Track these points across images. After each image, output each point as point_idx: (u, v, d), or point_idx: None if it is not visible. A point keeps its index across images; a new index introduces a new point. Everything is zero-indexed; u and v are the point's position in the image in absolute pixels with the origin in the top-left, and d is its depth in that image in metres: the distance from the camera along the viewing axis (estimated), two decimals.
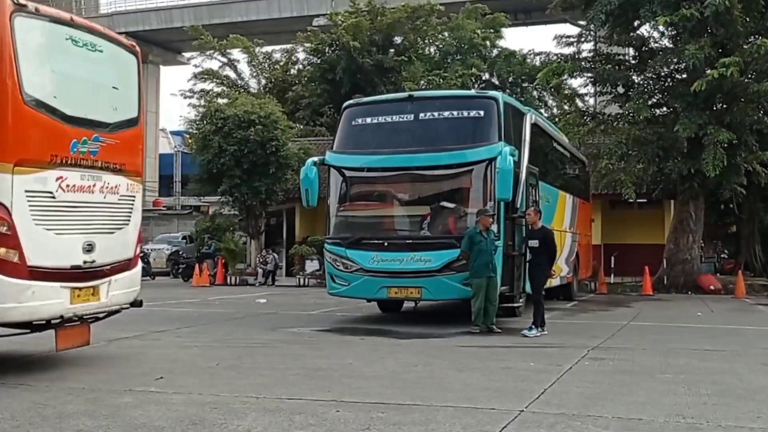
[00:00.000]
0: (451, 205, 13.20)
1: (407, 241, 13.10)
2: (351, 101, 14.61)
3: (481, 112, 13.10)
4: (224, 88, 38.59)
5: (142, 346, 10.57)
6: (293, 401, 6.86)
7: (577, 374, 8.43)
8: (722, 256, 30.85)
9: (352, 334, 12.12)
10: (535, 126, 14.86)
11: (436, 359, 9.46)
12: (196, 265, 27.72)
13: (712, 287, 22.96)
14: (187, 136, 31.40)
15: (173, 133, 66.30)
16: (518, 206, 13.22)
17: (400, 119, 13.53)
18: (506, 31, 41.57)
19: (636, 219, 29.40)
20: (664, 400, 7.00)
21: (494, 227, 12.41)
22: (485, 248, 11.98)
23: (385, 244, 13.03)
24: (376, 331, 12.42)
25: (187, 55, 61.48)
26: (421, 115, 13.37)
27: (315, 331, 12.45)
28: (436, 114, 13.35)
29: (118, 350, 10.10)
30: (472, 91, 12.78)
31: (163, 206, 58.71)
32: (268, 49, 41.41)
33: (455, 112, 13.31)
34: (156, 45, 62.07)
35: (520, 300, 14.25)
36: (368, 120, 13.80)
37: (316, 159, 13.99)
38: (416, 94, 14.54)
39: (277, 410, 6.49)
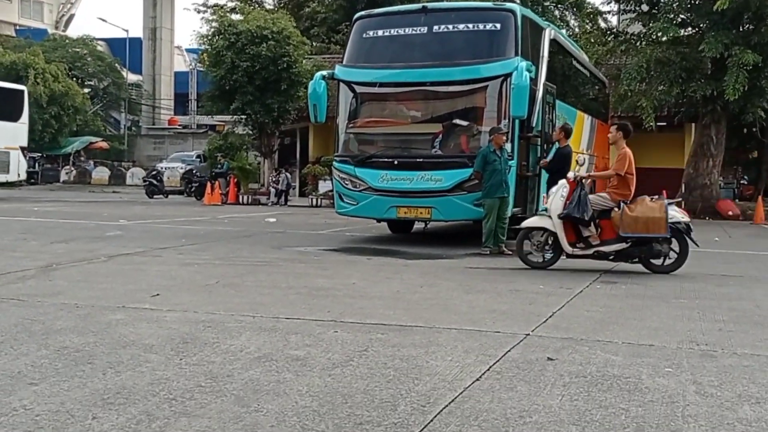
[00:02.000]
0: (464, 123, 12.76)
1: (417, 160, 12.70)
2: (362, 13, 14.00)
3: (498, 26, 12.52)
4: (238, 3, 37.70)
5: (142, 262, 10.33)
6: (291, 321, 6.60)
7: (588, 298, 8.13)
8: (742, 181, 30.31)
9: (359, 254, 11.84)
10: (554, 42, 14.28)
11: (443, 280, 9.19)
12: (208, 184, 27.54)
13: (730, 213, 22.55)
14: (202, 53, 30.86)
15: (189, 50, 65.43)
16: (534, 125, 12.77)
17: (413, 32, 12.96)
18: None
19: (656, 142, 28.65)
20: (677, 326, 6.70)
21: (508, 146, 12.02)
22: (499, 167, 11.59)
23: (395, 162, 12.64)
24: (384, 252, 12.15)
25: None
26: (435, 27, 12.80)
27: (321, 251, 12.19)
28: (450, 27, 12.77)
29: (118, 266, 9.87)
30: (489, 3, 12.17)
31: (179, 125, 58.46)
32: None
33: (470, 25, 12.72)
34: None
35: None
36: (380, 33, 13.24)
37: (325, 73, 13.51)
38: (430, 5, 13.91)
39: (273, 330, 6.24)
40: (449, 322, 6.65)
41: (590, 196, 9.88)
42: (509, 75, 11.74)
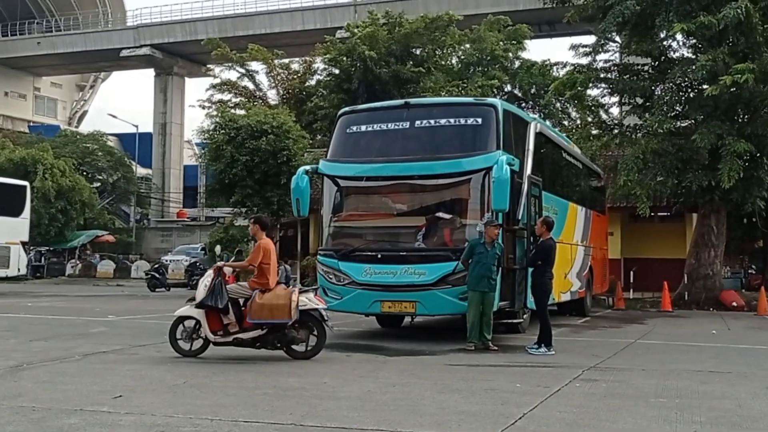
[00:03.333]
0: (447, 216, 12.64)
1: (401, 253, 12.54)
2: (346, 108, 14.18)
3: (479, 120, 12.56)
4: (242, 99, 38.40)
5: (116, 360, 10.13)
6: (249, 424, 6.39)
7: (564, 397, 7.86)
8: (750, 271, 29.94)
9: (340, 350, 11.56)
10: (540, 135, 14.29)
11: (419, 379, 8.94)
12: None
13: (734, 303, 22.15)
14: (203, 147, 31.28)
15: (198, 144, 66.48)
16: (519, 217, 12.67)
17: (396, 127, 13.01)
18: (532, 43, 41.05)
19: (657, 233, 28.61)
20: (651, 428, 6.46)
21: None
22: (483, 261, 11.41)
23: (379, 256, 12.51)
24: (367, 348, 11.89)
25: (210, 66, 61.81)
26: (417, 122, 12.86)
27: None
28: (432, 121, 12.83)
29: (89, 365, 9.67)
30: (470, 98, 12.31)
31: (187, 217, 58.82)
32: (286, 60, 41.17)
33: (452, 120, 12.78)
34: (181, 57, 62.50)
35: (524, 316, 13.69)
36: (363, 128, 13.32)
37: (308, 168, 13.56)
38: (413, 101, 14.03)
39: None
40: (413, 425, 6.42)
41: (230, 285, 10.25)
42: (490, 168, 11.70)
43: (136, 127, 58.55)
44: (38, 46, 64.23)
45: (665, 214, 27.70)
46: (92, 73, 76.87)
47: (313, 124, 35.34)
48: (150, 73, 64.73)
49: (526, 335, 13.24)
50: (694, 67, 20.25)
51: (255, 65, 40.29)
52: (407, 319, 14.55)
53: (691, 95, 22.92)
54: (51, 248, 45.19)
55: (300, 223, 31.23)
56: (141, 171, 60.84)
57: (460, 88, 34.01)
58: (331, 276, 12.79)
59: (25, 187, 27.94)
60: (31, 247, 38.49)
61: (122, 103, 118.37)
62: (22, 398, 7.39)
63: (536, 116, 15.60)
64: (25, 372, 8.99)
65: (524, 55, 39.93)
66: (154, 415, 6.70)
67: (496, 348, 11.54)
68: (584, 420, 6.74)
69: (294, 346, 10.30)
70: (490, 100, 13.83)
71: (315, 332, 10.30)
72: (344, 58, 34.96)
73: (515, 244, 12.95)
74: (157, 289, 30.99)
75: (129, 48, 60.64)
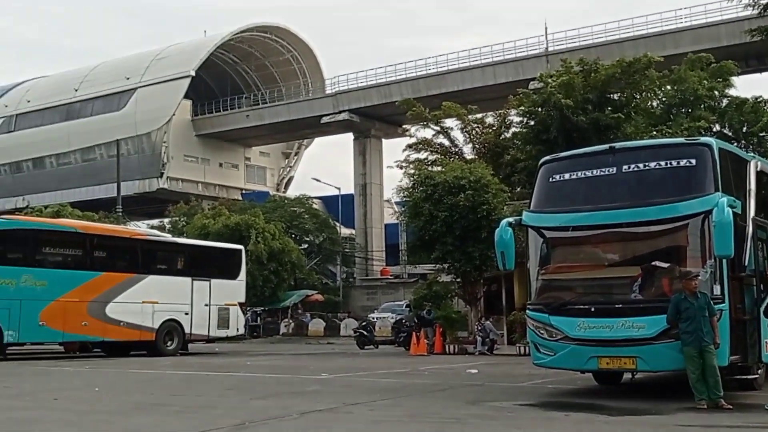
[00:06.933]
0: (665, 265, 11.85)
1: (617, 306, 11.88)
2: (548, 157, 13.79)
3: (693, 161, 11.79)
4: (439, 156, 38.82)
5: (332, 419, 10.20)
6: None
7: None
8: None
9: (557, 409, 11.08)
10: (762, 174, 13.23)
11: None
12: (413, 334, 27.57)
13: None
14: (400, 206, 31.79)
15: (397, 203, 67.92)
16: (746, 264, 11.70)
17: (602, 173, 12.47)
18: (740, 79, 38.73)
19: None
20: None
21: (716, 288, 11.10)
22: (692, 315, 10.74)
23: (592, 309, 11.93)
24: (586, 406, 11.29)
25: (406, 126, 63.31)
26: (625, 167, 12.26)
27: (518, 405, 11.52)
28: (641, 165, 12.18)
29: (306, 424, 9.76)
30: (681, 139, 11.69)
31: (390, 275, 59.99)
32: (480, 115, 41.27)
33: (663, 162, 12.07)
34: (378, 120, 64.51)
35: (758, 371, 12.55)
36: (567, 176, 12.87)
37: (511, 220, 13.27)
38: (618, 145, 13.42)
39: None
40: None
41: None
42: (709, 212, 10.95)
43: (339, 189, 60.97)
44: (247, 119, 68.66)
45: None
46: (296, 140, 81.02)
47: (511, 177, 34.99)
48: (349, 136, 67.24)
49: (762, 392, 12.13)
50: None
51: (449, 122, 40.75)
52: (627, 376, 13.76)
53: None
54: (265, 308, 47.45)
55: (504, 278, 30.84)
56: (345, 231, 62.92)
57: (664, 132, 32.56)
58: (542, 331, 12.35)
59: (240, 250, 29.46)
60: (248, 308, 40.58)
61: (324, 166, 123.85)
62: None
63: (754, 155, 14.48)
64: (247, 431, 9.24)
65: (732, 92, 37.79)
66: None
67: (730, 407, 10.60)
68: None
69: None
70: (703, 139, 13.01)
71: None
72: (539, 109, 34.53)
73: (743, 292, 11.95)
74: (366, 347, 31.60)
75: (329, 114, 63.43)
